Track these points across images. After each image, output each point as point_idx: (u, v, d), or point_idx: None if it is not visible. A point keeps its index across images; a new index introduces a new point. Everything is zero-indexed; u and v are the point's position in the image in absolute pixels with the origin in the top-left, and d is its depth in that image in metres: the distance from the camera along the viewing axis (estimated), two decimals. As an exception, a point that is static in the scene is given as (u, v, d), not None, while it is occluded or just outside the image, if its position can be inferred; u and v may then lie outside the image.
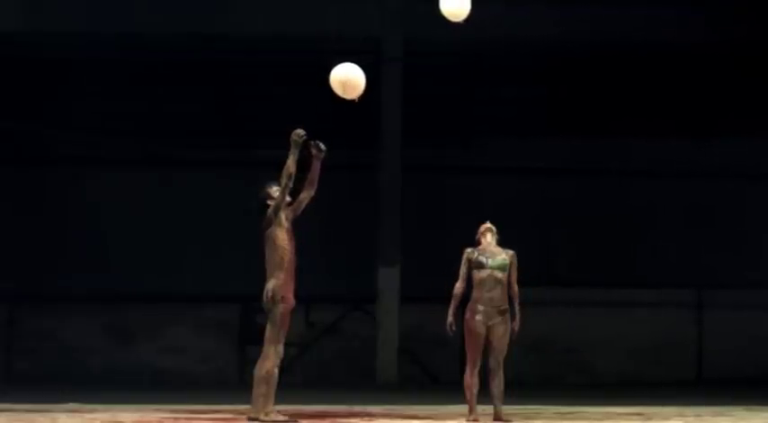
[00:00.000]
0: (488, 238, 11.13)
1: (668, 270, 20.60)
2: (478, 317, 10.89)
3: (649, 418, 11.89)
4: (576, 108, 20.03)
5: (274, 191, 10.78)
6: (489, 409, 11.24)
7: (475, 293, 10.96)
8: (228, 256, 19.98)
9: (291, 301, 10.65)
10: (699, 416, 12.28)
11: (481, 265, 10.96)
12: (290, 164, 10.64)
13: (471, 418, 10.89)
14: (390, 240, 18.19)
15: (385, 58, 17.60)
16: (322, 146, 10.73)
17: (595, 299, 19.83)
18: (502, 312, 10.92)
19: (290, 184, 10.68)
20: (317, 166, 10.83)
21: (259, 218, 10.76)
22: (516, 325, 10.93)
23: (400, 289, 18.06)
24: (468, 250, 11.09)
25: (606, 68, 19.06)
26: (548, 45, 18.02)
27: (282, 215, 10.69)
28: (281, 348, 10.63)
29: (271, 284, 10.60)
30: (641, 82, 19.46)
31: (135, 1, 17.32)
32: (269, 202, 10.78)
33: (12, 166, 20.46)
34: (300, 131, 10.65)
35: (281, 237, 10.65)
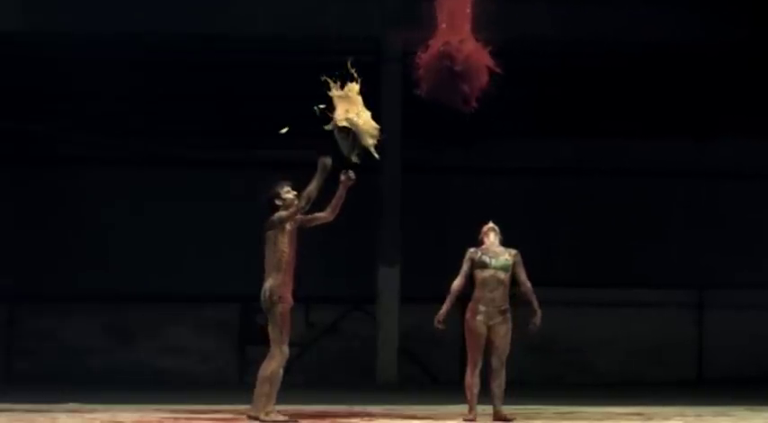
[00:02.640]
0: (491, 237, 11.13)
1: (669, 270, 20.58)
2: (479, 317, 10.89)
3: (649, 418, 11.89)
4: (577, 108, 20.01)
5: (285, 192, 10.72)
6: (489, 409, 11.24)
7: (477, 293, 10.96)
8: (228, 256, 19.96)
9: (290, 300, 10.64)
10: (699, 416, 12.28)
11: (484, 265, 10.95)
12: (314, 189, 10.58)
13: (470, 417, 10.90)
14: (390, 240, 18.18)
15: (385, 58, 17.59)
16: (352, 175, 10.67)
17: (596, 299, 19.82)
18: (503, 312, 10.93)
19: (306, 207, 10.64)
20: (342, 194, 10.77)
21: (263, 216, 10.72)
22: (537, 320, 10.94)
23: (400, 289, 18.05)
24: (472, 250, 11.08)
25: (606, 68, 19.06)
26: (548, 45, 18.01)
27: (287, 223, 10.66)
28: (286, 348, 10.62)
29: (268, 284, 10.62)
30: (642, 82, 19.46)
31: (135, 1, 17.31)
32: (276, 201, 10.73)
33: (12, 166, 20.45)
34: (329, 160, 10.57)
35: (282, 240, 10.64)
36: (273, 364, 10.55)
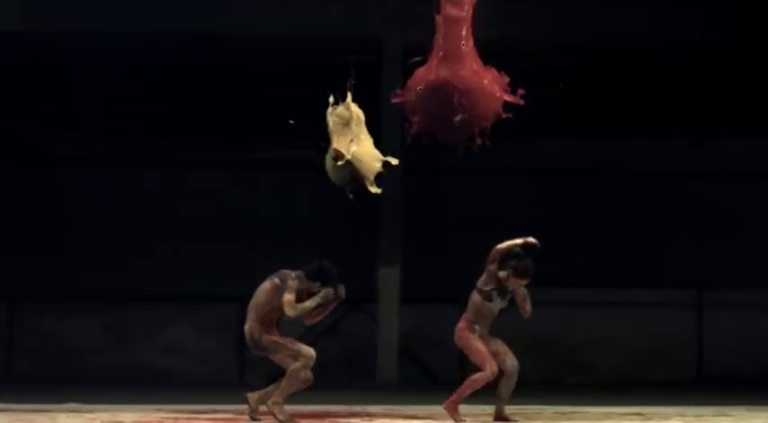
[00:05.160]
0: (521, 284, 10.95)
1: (668, 270, 20.59)
2: (475, 333, 10.95)
3: (649, 419, 11.89)
4: (577, 108, 20.02)
5: (317, 291, 10.71)
6: (489, 409, 11.26)
7: (473, 316, 10.97)
8: (228, 256, 19.98)
9: (270, 330, 10.77)
10: (699, 416, 12.27)
11: (490, 299, 10.90)
12: (307, 308, 10.67)
13: (459, 417, 10.96)
14: (390, 240, 18.17)
15: (385, 59, 17.58)
16: (342, 293, 10.72)
17: (595, 299, 19.83)
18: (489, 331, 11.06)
19: (291, 318, 10.71)
20: (329, 307, 10.86)
21: (305, 273, 10.75)
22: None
23: (400, 289, 18.04)
24: (501, 274, 10.88)
25: (606, 68, 19.05)
26: (547, 45, 18.00)
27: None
28: (305, 350, 10.75)
29: (246, 327, 10.81)
30: (641, 82, 19.46)
31: (135, 1, 17.32)
32: (319, 276, 10.72)
33: (12, 166, 20.47)
34: (332, 294, 10.64)
35: (279, 299, 10.69)
36: (297, 364, 10.65)
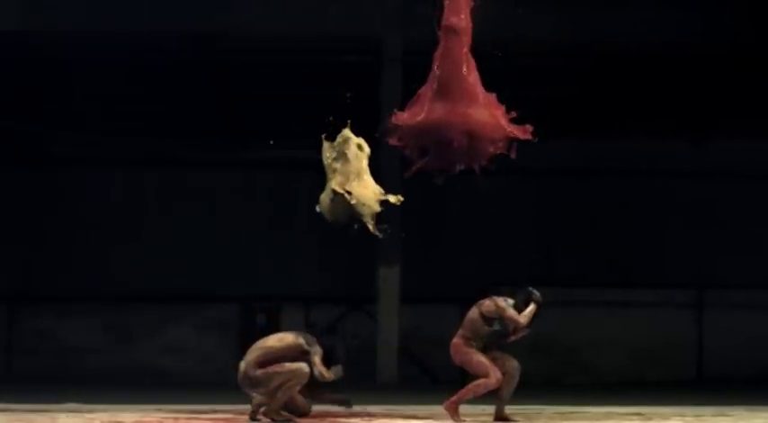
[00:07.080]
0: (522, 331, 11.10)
1: (668, 270, 20.59)
2: (472, 348, 11.00)
3: (649, 419, 11.89)
4: (577, 108, 20.02)
5: (327, 374, 10.89)
6: (489, 408, 11.26)
7: (470, 334, 11.05)
8: (228, 256, 19.97)
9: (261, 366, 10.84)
10: (699, 416, 12.28)
11: (491, 325, 11.00)
12: (332, 377, 10.91)
13: (460, 418, 10.99)
14: (390, 240, 18.14)
15: (384, 58, 17.58)
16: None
17: (595, 299, 19.83)
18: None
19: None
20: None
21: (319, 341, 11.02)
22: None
23: (400, 289, 18.05)
24: (507, 305, 11.01)
25: (607, 69, 19.06)
26: (548, 45, 18.00)
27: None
28: (297, 367, 10.85)
29: (242, 365, 10.91)
30: (642, 82, 19.46)
31: (135, 1, 17.33)
32: (327, 355, 10.94)
33: (12, 166, 20.47)
34: (341, 372, 10.92)
35: (288, 355, 10.85)
36: (290, 383, 10.74)
